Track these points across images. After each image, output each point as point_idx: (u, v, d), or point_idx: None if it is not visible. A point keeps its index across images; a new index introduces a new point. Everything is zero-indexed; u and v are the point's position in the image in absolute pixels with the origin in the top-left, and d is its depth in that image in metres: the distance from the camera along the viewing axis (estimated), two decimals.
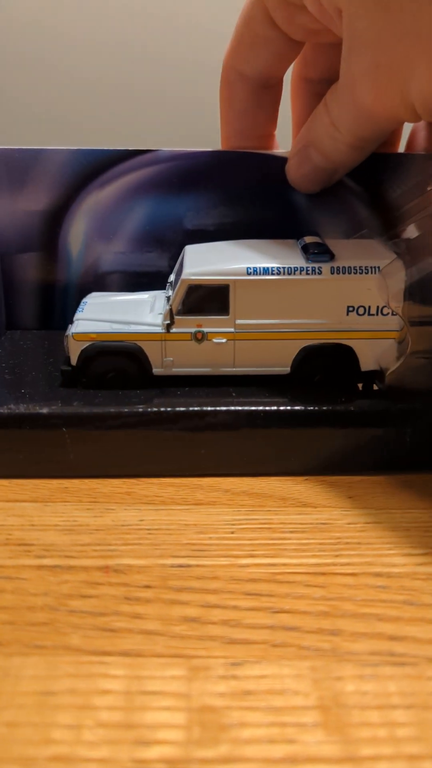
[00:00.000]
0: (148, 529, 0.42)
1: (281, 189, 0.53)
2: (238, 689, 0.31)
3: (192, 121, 0.87)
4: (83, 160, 0.53)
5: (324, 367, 0.50)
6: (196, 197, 0.54)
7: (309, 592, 0.37)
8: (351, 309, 0.49)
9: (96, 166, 0.54)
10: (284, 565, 0.39)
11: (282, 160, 0.53)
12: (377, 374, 0.50)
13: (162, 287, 0.54)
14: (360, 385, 0.52)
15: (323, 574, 0.38)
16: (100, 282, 0.57)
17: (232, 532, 0.42)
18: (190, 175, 0.54)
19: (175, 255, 0.55)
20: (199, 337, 0.49)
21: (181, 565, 0.39)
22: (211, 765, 0.27)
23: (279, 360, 0.50)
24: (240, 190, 0.54)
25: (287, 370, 0.50)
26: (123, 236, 0.55)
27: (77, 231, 0.54)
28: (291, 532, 0.42)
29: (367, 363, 0.50)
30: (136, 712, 0.30)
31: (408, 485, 0.48)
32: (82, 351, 0.49)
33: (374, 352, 0.50)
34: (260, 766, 0.27)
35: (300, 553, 0.40)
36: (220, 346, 0.49)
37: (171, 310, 0.49)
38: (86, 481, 0.47)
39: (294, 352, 0.50)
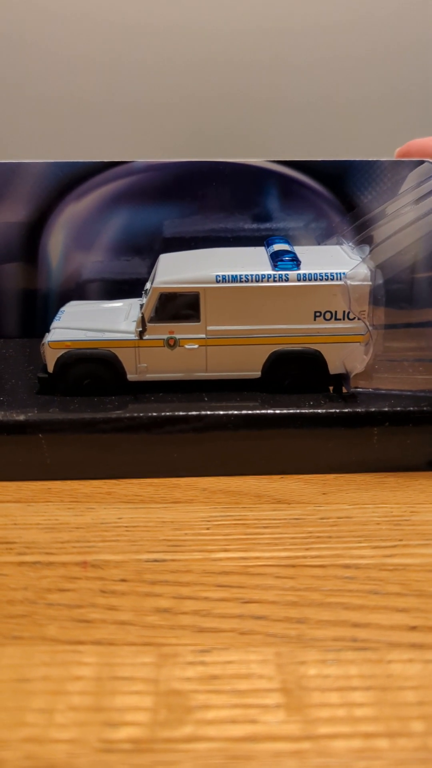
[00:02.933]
0: (126, 527, 0.44)
1: (254, 197, 0.55)
2: (205, 674, 0.32)
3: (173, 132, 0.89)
4: (59, 173, 0.55)
5: (293, 371, 0.52)
6: (172, 206, 0.55)
7: (278, 584, 0.38)
8: (318, 314, 0.51)
9: (72, 178, 0.55)
10: (256, 558, 0.41)
11: (254, 169, 0.55)
12: (344, 377, 0.52)
13: (141, 294, 0.55)
14: (331, 388, 0.53)
15: (293, 566, 0.40)
16: (81, 290, 0.58)
17: (208, 528, 0.43)
18: (165, 184, 0.55)
19: (152, 262, 0.56)
20: (172, 344, 0.50)
21: (156, 560, 0.40)
22: (174, 744, 0.28)
23: (250, 365, 0.51)
24: (214, 198, 0.55)
25: (258, 374, 0.52)
26: (101, 245, 0.56)
27: (56, 241, 0.56)
28: (264, 527, 0.44)
29: (335, 366, 0.52)
30: (106, 696, 0.31)
31: (381, 482, 0.49)
32: (59, 359, 0.51)
33: (341, 356, 0.51)
34: (222, 745, 0.28)
35: (272, 547, 0.42)
36: (192, 351, 0.51)
37: (143, 317, 0.50)
38: (69, 482, 0.49)
39: (264, 356, 0.51)
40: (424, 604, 0.37)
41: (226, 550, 0.41)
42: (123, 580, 0.39)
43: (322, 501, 0.46)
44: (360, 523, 0.44)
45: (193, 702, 0.31)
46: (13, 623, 0.35)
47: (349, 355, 0.51)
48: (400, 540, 0.42)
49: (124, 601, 0.37)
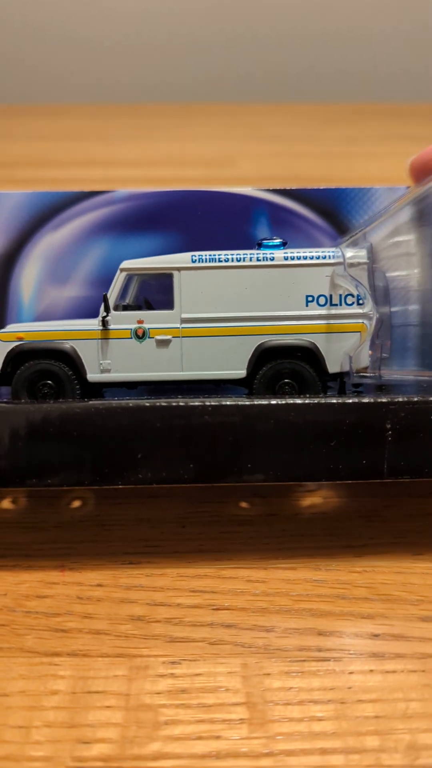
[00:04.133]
0: (104, 525, 0.45)
1: (242, 226, 0.52)
2: (174, 687, 0.34)
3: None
4: (37, 202, 0.53)
5: (285, 369, 0.46)
6: (155, 238, 0.53)
7: (250, 588, 0.40)
8: (310, 299, 0.47)
9: (50, 208, 0.53)
10: (230, 560, 0.42)
11: (242, 198, 0.53)
12: (346, 374, 0.47)
13: None
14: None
15: (265, 568, 0.41)
16: None
17: (183, 526, 0.45)
18: (147, 215, 0.53)
19: None
20: (140, 334, 0.46)
21: (132, 563, 0.41)
22: (142, 762, 0.30)
23: (232, 361, 0.47)
24: (200, 229, 0.53)
25: (243, 373, 0.46)
26: (78, 280, 0.53)
27: (30, 275, 0.53)
28: (239, 524, 0.45)
29: (334, 362, 0.47)
30: (80, 711, 0.33)
31: None
32: (8, 353, 0.47)
33: (341, 350, 0.46)
34: (187, 762, 0.30)
35: (246, 546, 0.43)
36: (164, 344, 0.47)
37: (107, 301, 0.47)
38: None
39: (249, 350, 0.47)
40: (389, 610, 0.38)
41: (200, 551, 0.42)
42: (99, 585, 0.40)
43: (297, 494, 0.47)
44: (332, 519, 0.45)
45: (162, 717, 0.32)
46: None
47: (352, 348, 0.46)
48: (371, 538, 0.43)
49: (99, 608, 0.38)
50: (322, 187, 0.53)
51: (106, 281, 0.52)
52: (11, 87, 1.83)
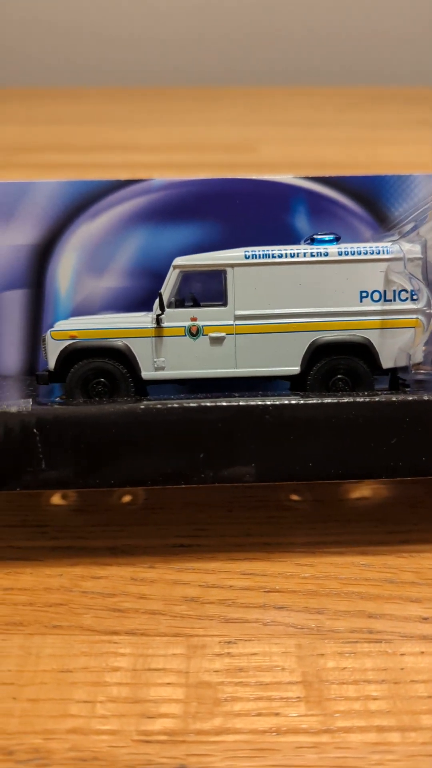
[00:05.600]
0: (153, 508, 0.46)
1: (281, 215, 0.52)
2: (232, 666, 0.35)
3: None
4: (73, 192, 0.52)
5: (340, 365, 0.46)
6: (192, 227, 0.52)
7: (299, 571, 0.41)
8: (365, 294, 0.46)
9: (86, 198, 0.52)
10: (278, 544, 0.43)
11: (279, 186, 0.52)
12: (401, 369, 0.46)
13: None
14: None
15: (313, 553, 0.42)
16: None
17: (230, 511, 0.46)
18: (184, 204, 0.52)
19: None
20: (194, 332, 0.46)
21: (183, 545, 0.43)
22: (205, 736, 0.31)
23: (286, 357, 0.46)
24: (238, 218, 0.52)
25: (297, 369, 0.46)
26: (115, 270, 0.53)
27: (66, 266, 0.52)
28: (286, 509, 0.46)
29: (388, 357, 0.46)
30: (142, 687, 0.34)
31: None
32: (61, 351, 0.46)
33: (395, 345, 0.46)
34: (248, 738, 0.31)
35: (293, 531, 0.44)
36: (218, 341, 0.46)
37: (161, 298, 0.46)
38: None
39: (303, 347, 0.46)
40: None
41: (248, 535, 0.43)
42: (152, 567, 0.41)
43: (340, 481, 0.48)
44: (376, 505, 0.46)
45: (221, 694, 0.33)
46: (52, 612, 0.38)
47: (406, 343, 0.46)
48: (416, 524, 0.44)
49: (153, 589, 0.39)
50: (360, 175, 0.53)
51: (144, 272, 0.52)
52: (32, 70, 1.83)
